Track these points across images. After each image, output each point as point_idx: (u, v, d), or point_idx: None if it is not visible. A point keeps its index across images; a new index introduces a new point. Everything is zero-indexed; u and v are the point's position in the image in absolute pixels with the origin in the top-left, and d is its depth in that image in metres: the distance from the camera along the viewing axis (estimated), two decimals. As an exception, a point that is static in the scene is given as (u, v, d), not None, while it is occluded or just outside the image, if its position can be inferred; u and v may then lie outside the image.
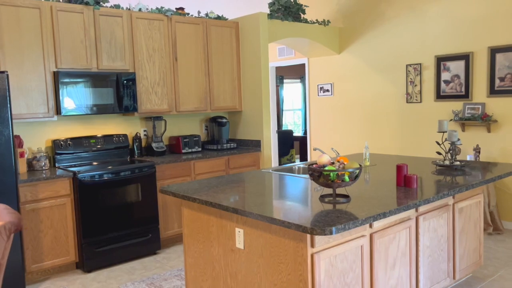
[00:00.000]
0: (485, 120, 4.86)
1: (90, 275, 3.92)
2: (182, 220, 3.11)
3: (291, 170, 3.77)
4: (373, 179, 3.13)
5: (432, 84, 5.43)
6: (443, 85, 5.32)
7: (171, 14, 4.86)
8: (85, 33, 4.23)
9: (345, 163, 2.54)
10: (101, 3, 4.35)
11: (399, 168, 2.85)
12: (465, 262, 3.39)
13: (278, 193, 2.83)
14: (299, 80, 11.33)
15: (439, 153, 3.50)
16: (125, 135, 4.78)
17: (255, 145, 5.44)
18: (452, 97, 5.25)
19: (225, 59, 5.35)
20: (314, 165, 2.59)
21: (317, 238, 2.26)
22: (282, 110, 10.97)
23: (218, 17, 5.34)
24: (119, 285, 3.70)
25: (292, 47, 6.57)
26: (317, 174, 2.48)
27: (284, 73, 10.96)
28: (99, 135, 4.63)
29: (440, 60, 5.31)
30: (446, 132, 3.45)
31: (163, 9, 4.85)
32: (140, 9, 4.68)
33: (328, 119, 6.73)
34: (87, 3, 4.23)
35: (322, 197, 2.59)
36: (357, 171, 2.47)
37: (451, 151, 3.43)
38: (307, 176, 3.30)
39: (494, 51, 4.84)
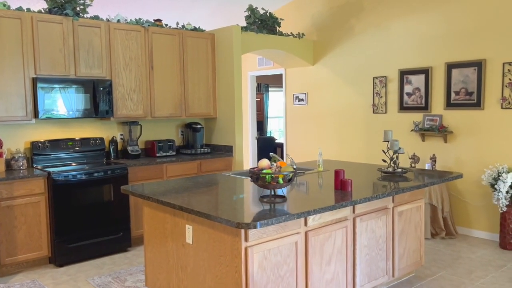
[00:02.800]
0: (441, 131, 5.17)
1: (61, 269, 4.19)
2: (143, 218, 3.39)
3: (247, 174, 4.05)
4: (317, 184, 3.42)
5: (396, 96, 5.75)
6: (405, 97, 5.63)
7: (149, 25, 5.16)
8: (64, 42, 4.52)
9: (282, 167, 2.83)
10: (80, 14, 4.65)
11: (336, 173, 3.15)
12: (404, 262, 3.67)
13: (228, 194, 3.12)
14: (281, 89, 11.65)
15: (384, 160, 3.80)
16: (101, 139, 5.06)
17: (227, 150, 5.73)
18: (413, 109, 5.56)
19: (200, 68, 5.66)
20: (255, 169, 2.88)
21: (251, 233, 2.54)
22: (267, 117, 11.28)
23: (195, 29, 5.65)
24: (87, 278, 3.97)
25: (269, 58, 6.89)
26: (255, 176, 2.77)
27: (269, 82, 11.28)
28: (76, 138, 4.91)
29: (403, 74, 5.63)
30: (388, 141, 3.75)
31: (141, 20, 5.16)
32: (118, 21, 4.98)
33: (302, 127, 7.04)
34: (66, 14, 4.53)
35: (262, 198, 2.87)
36: (291, 174, 2.76)
37: (393, 159, 3.73)
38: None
39: (450, 67, 5.16)
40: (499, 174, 4.56)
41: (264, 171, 2.75)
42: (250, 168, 2.89)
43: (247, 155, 8.10)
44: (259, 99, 10.93)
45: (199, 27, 5.79)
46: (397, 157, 3.73)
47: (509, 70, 4.69)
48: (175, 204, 2.81)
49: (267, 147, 9.42)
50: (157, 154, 5.36)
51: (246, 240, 2.54)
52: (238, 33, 5.56)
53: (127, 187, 3.38)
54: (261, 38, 6.03)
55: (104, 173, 4.53)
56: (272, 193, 2.83)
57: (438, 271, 4.02)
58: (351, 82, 6.26)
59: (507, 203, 4.55)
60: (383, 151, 3.80)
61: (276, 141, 9.84)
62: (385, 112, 5.87)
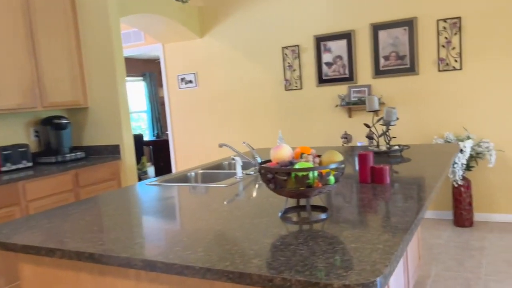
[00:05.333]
0: (374, 103, 4.47)
1: None
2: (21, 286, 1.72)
3: (186, 179, 2.63)
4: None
5: (312, 68, 4.88)
6: (325, 68, 4.80)
7: (-34, -37, 3.20)
8: None
9: (310, 155, 1.58)
10: None
11: (362, 158, 2.02)
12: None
13: (203, 218, 1.70)
14: (141, 78, 9.97)
15: (370, 137, 2.81)
16: None
17: (111, 151, 4.08)
18: (336, 81, 4.76)
19: (58, 37, 3.86)
20: (269, 164, 1.57)
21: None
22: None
23: (43, -22, 3.82)
24: None
25: (144, 29, 5.33)
26: (284, 176, 1.45)
27: (127, 70, 9.46)
28: None
29: (320, 40, 4.79)
30: (377, 110, 2.78)
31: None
32: None
33: (194, 115, 5.69)
34: None
35: (286, 215, 1.57)
36: (343, 166, 1.53)
37: (386, 134, 2.77)
38: (222, 185, 2.22)
39: (376, 28, 4.49)
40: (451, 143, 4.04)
41: (297, 165, 1.46)
42: (262, 164, 1.56)
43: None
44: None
45: (48, -24, 3.96)
46: (388, 131, 2.78)
47: (444, 28, 4.20)
48: (118, 256, 1.30)
49: (136, 147, 7.74)
50: (3, 168, 3.43)
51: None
52: (112, -15, 3.94)
53: (-18, 236, 1.65)
54: (139, -3, 4.48)
55: None
56: (307, 203, 1.55)
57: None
58: (254, 56, 5.18)
59: (463, 175, 4.08)
60: (366, 125, 2.81)
61: (145, 140, 8.20)
62: (301, 88, 4.96)
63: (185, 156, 5.82)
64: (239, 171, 2.37)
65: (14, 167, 3.50)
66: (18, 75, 3.51)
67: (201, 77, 5.56)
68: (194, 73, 5.59)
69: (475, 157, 4.09)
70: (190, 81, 5.63)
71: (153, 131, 9.99)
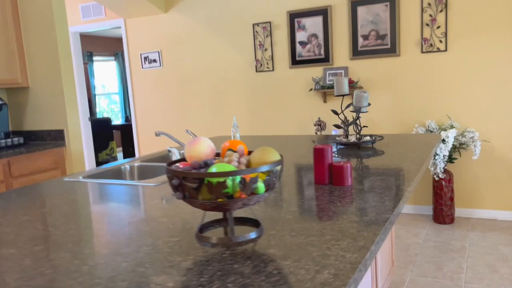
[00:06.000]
0: (350, 87, 4.08)
1: None
2: None
3: (118, 174, 2.21)
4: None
5: (286, 47, 4.44)
6: (298, 47, 4.37)
7: None
8: None
9: (236, 151, 1.16)
10: None
11: (318, 153, 1.62)
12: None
13: (95, 235, 1.28)
14: (113, 58, 9.42)
15: (338, 126, 2.41)
16: None
17: (55, 137, 3.62)
18: (310, 62, 4.34)
19: (-10, 4, 3.36)
20: (180, 164, 1.15)
21: None
22: (95, 95, 8.93)
23: None
24: None
25: (103, 2, 4.82)
26: (194, 183, 1.04)
27: (93, 49, 8.91)
28: None
29: (294, 17, 4.35)
30: (346, 94, 2.37)
31: None
32: None
33: (158, 97, 5.23)
34: None
35: (203, 234, 1.16)
36: (279, 167, 1.13)
37: (356, 122, 2.38)
38: (151, 183, 1.81)
39: (355, 4, 4.07)
40: (432, 132, 3.68)
41: (214, 168, 1.05)
42: (169, 165, 1.15)
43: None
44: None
45: None
46: (358, 119, 2.38)
47: (429, 4, 3.80)
48: None
49: (102, 132, 7.26)
50: None
51: None
52: None
53: None
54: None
55: None
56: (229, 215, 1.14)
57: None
58: (223, 33, 4.72)
59: (445, 167, 3.73)
60: (334, 111, 2.41)
61: (113, 124, 7.72)
62: (272, 70, 4.53)
63: (148, 140, 5.38)
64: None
65: None
66: None
67: (166, 56, 5.09)
68: (158, 52, 5.11)
69: (458, 148, 3.74)
70: (154, 60, 5.15)
71: (124, 114, 9.50)
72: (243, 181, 1.04)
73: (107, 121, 7.40)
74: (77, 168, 3.64)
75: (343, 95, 2.38)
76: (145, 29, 5.16)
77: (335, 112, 2.42)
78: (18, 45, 3.56)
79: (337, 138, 2.43)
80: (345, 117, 2.41)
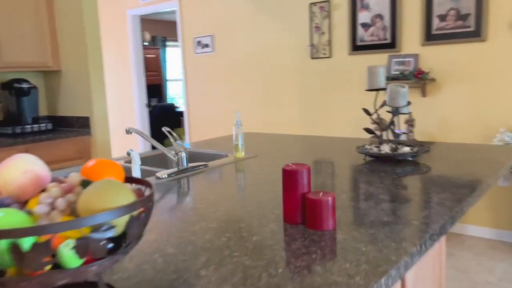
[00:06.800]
0: (419, 79, 3.34)
1: None
2: None
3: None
4: (233, 203, 1.32)
5: (345, 31, 3.80)
6: (360, 30, 3.71)
7: None
8: None
9: (90, 184, 0.69)
10: None
11: (288, 176, 1.08)
12: None
13: None
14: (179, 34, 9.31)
15: (369, 131, 1.81)
16: None
17: (81, 125, 3.43)
18: (373, 48, 3.66)
19: (21, -17, 3.22)
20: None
21: None
22: (166, 80, 8.92)
23: None
24: None
25: (152, -18, 4.56)
26: None
27: (167, 34, 8.87)
28: None
29: (356, -6, 3.69)
30: (383, 89, 1.76)
31: None
32: None
33: (209, 85, 4.89)
34: None
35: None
36: (120, 222, 0.63)
37: (392, 127, 1.76)
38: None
39: (431, -23, 3.30)
40: (521, 141, 2.85)
41: (3, 213, 0.60)
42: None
43: (122, 133, 5.80)
44: (154, 56, 8.52)
45: None
46: (394, 122, 1.76)
47: (530, -26, 2.92)
48: None
49: (165, 118, 7.16)
50: None
51: None
52: None
53: None
54: None
55: None
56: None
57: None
58: (277, 14, 4.21)
59: (536, 187, 2.88)
60: (366, 110, 1.81)
61: (178, 110, 7.59)
62: (330, 56, 3.92)
63: (199, 127, 5.08)
64: (137, 173, 1.54)
65: (-47, 138, 2.97)
66: (-40, 28, 2.93)
67: (218, 41, 4.71)
68: (211, 36, 4.74)
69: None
70: (206, 45, 4.80)
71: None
72: (43, 244, 0.58)
73: (170, 107, 7.29)
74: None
75: (377, 90, 1.77)
76: (199, 11, 4.82)
77: (367, 112, 1.82)
78: (50, 27, 3.39)
79: (366, 146, 1.83)
80: (379, 119, 1.80)
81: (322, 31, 3.93)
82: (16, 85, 3.27)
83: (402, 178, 1.45)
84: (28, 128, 3.26)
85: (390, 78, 3.50)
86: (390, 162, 1.69)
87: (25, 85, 3.29)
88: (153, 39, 8.62)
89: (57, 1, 3.37)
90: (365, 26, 3.67)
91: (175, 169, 1.66)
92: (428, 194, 1.26)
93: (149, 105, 5.81)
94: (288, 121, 4.27)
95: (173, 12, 5.42)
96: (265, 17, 4.28)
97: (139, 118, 5.68)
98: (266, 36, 4.30)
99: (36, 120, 3.40)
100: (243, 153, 1.95)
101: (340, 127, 3.93)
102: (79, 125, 3.45)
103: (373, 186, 1.36)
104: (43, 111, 3.67)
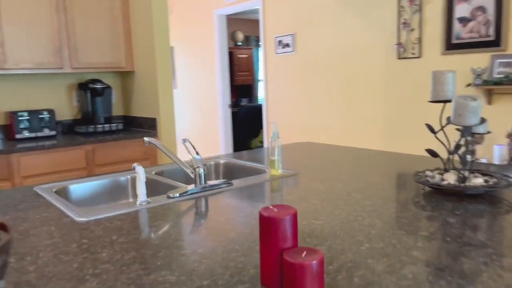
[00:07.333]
0: (530, 84, 2.74)
1: None
2: None
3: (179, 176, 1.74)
4: (227, 241, 1.07)
5: (439, 27, 3.29)
6: (457, 26, 3.17)
7: None
8: None
9: None
10: None
11: (264, 225, 0.80)
12: None
13: None
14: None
15: (432, 153, 1.43)
16: None
17: (150, 126, 3.43)
18: (472, 46, 3.11)
19: (99, -14, 3.30)
20: None
21: None
22: (258, 81, 8.85)
23: None
24: None
25: (234, -20, 4.45)
26: None
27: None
28: None
29: (454, -16, 3.16)
30: (449, 101, 1.37)
31: None
32: None
33: (289, 87, 4.65)
34: None
35: None
36: None
37: (465, 149, 1.35)
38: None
39: (551, -42, 2.67)
40: None
41: None
42: None
43: (206, 134, 5.80)
44: (247, 56, 8.50)
45: None
46: (469, 147, 1.35)
47: None
48: None
49: (252, 119, 7.07)
50: (17, 136, 3.09)
51: None
52: None
53: None
54: None
55: None
56: None
57: None
58: (361, 10, 3.81)
59: None
60: (429, 127, 1.42)
61: (267, 110, 7.45)
62: (419, 56, 3.43)
63: (278, 130, 4.86)
64: (140, 191, 1.37)
65: (30, 135, 3.13)
66: (42, 30, 3.07)
67: (300, 40, 4.44)
68: (292, 35, 4.49)
69: None
70: (287, 45, 4.56)
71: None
72: None
73: (257, 107, 7.18)
74: (168, 160, 3.37)
75: (443, 102, 1.38)
76: (280, 9, 4.59)
77: (431, 129, 1.44)
78: (124, 27, 3.44)
79: (427, 173, 1.44)
80: (447, 139, 1.41)
81: (411, 28, 3.45)
82: (91, 85, 3.37)
83: (466, 219, 1.07)
84: (99, 127, 3.33)
85: (492, 83, 2.94)
86: (456, 196, 1.30)
87: (99, 85, 3.38)
88: (247, 39, 8.61)
89: (132, 3, 3.40)
90: (463, 20, 3.12)
91: (189, 188, 1.46)
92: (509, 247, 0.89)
93: (236, 106, 5.75)
94: (368, 130, 3.85)
95: (241, 8, 5.26)
96: (348, 13, 3.90)
97: (222, 119, 5.65)
98: (348, 34, 3.93)
99: (108, 119, 3.47)
100: (280, 170, 1.69)
101: (428, 140, 3.42)
102: (148, 126, 3.45)
103: (418, 234, 1.01)
104: (119, 111, 3.76)
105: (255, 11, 6.36)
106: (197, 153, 1.55)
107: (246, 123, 7.12)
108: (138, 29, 3.39)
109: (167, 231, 1.11)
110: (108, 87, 3.45)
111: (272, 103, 4.89)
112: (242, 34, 8.53)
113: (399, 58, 3.57)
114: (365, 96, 3.87)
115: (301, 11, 4.36)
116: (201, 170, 1.50)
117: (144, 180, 1.37)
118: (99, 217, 1.23)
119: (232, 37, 8.50)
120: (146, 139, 1.56)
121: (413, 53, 3.47)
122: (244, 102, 8.28)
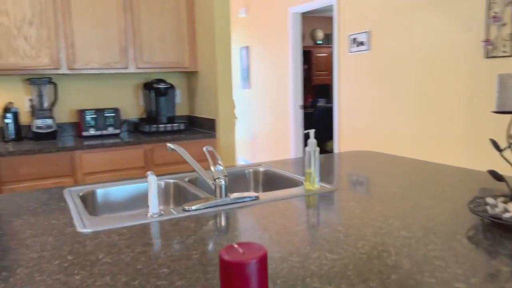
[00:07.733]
0: None
1: None
2: None
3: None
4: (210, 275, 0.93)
5: (536, 20, 2.82)
6: (559, 19, 2.69)
7: None
8: None
9: None
10: None
11: (224, 269, 0.65)
12: None
13: None
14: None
15: (496, 175, 1.15)
16: (-14, 107, 3.06)
17: (210, 127, 3.38)
18: None
19: (166, -13, 3.32)
20: None
21: None
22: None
23: None
24: None
25: (306, -24, 4.26)
26: None
27: (342, 32, 8.45)
28: None
29: (557, -31, 2.67)
30: (522, 112, 1.09)
31: None
32: None
33: (361, 87, 4.35)
34: None
35: None
36: None
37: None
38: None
39: None
40: None
41: None
42: None
43: (277, 136, 5.65)
44: (326, 55, 8.23)
45: None
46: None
47: None
48: None
49: (328, 119, 6.80)
50: (83, 133, 3.22)
51: None
52: None
53: None
54: None
55: None
56: None
57: None
58: (444, 3, 3.41)
59: None
60: (494, 143, 1.15)
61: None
62: (511, 55, 2.98)
63: (349, 136, 4.59)
64: (152, 202, 1.28)
65: (96, 133, 3.24)
66: (109, 31, 3.16)
67: (375, 38, 4.12)
68: (367, 32, 4.19)
69: None
70: (362, 43, 4.26)
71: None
72: None
73: (330, 109, 6.89)
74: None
75: (511, 113, 1.11)
76: (355, 4, 4.31)
77: (495, 145, 1.17)
78: (189, 28, 3.43)
79: (488, 201, 1.16)
80: (516, 160, 1.12)
81: (502, 22, 3.00)
82: (155, 85, 3.41)
83: (514, 277, 0.82)
84: (161, 127, 3.36)
85: None
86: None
87: (162, 85, 3.40)
88: (327, 38, 8.33)
89: (197, 3, 3.38)
90: None
91: (208, 202, 1.34)
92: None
93: (312, 106, 5.56)
94: (447, 141, 3.44)
95: (316, 5, 5.01)
96: (429, 7, 3.52)
97: (293, 120, 5.49)
98: (428, 30, 3.55)
99: (171, 119, 3.49)
100: (316, 185, 1.50)
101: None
102: (208, 127, 3.41)
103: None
104: (184, 111, 3.77)
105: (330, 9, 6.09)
106: (220, 164, 1.42)
107: (322, 124, 6.88)
108: (202, 30, 3.35)
109: (157, 253, 0.99)
110: (172, 87, 3.47)
111: (344, 105, 4.63)
112: (322, 32, 8.27)
113: (487, 57, 3.13)
114: (445, 101, 3.47)
115: (378, 7, 4.04)
116: (222, 182, 1.37)
117: (156, 190, 1.28)
118: (102, 228, 1.16)
119: (311, 35, 8.28)
120: (169, 145, 1.47)
121: (504, 51, 3.02)
122: (321, 102, 8.02)
